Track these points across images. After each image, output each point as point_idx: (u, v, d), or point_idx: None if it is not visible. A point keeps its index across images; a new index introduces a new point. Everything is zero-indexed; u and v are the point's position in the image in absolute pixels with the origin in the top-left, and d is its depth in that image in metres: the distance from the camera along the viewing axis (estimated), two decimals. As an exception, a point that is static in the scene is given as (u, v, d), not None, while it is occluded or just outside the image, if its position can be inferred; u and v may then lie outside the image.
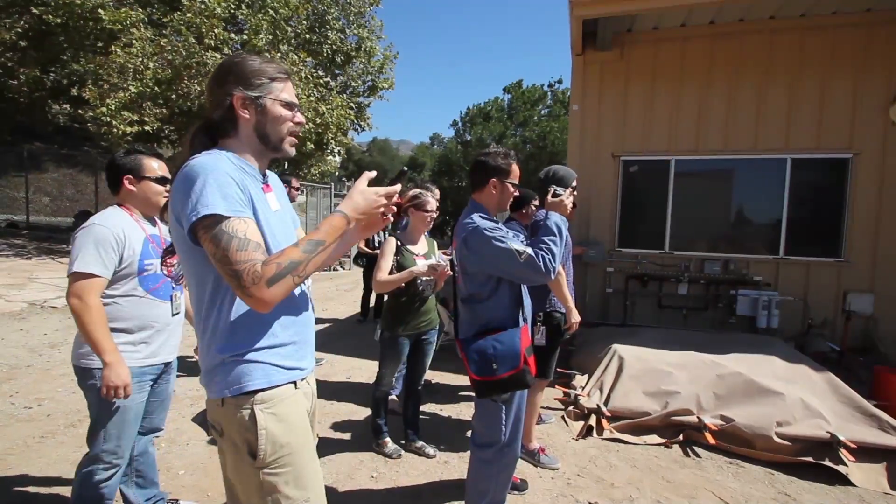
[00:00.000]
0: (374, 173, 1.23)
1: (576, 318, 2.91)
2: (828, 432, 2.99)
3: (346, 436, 3.26)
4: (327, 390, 4.02)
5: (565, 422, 3.59)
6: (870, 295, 5.14)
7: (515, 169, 2.09)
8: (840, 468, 2.86)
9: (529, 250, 1.85)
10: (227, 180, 1.06)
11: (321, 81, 10.75)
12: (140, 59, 8.47)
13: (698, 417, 3.25)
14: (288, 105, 1.21)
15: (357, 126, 13.77)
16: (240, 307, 1.13)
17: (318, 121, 9.84)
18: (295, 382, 1.21)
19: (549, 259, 1.84)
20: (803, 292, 5.37)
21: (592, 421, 3.47)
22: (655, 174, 5.84)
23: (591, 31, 5.57)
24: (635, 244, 5.96)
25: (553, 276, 1.88)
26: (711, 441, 3.11)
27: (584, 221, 5.99)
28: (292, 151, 1.26)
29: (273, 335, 1.17)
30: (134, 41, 8.56)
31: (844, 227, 5.28)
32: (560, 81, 29.02)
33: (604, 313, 6.03)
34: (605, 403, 3.56)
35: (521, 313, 2.04)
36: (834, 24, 5.21)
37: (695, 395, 3.40)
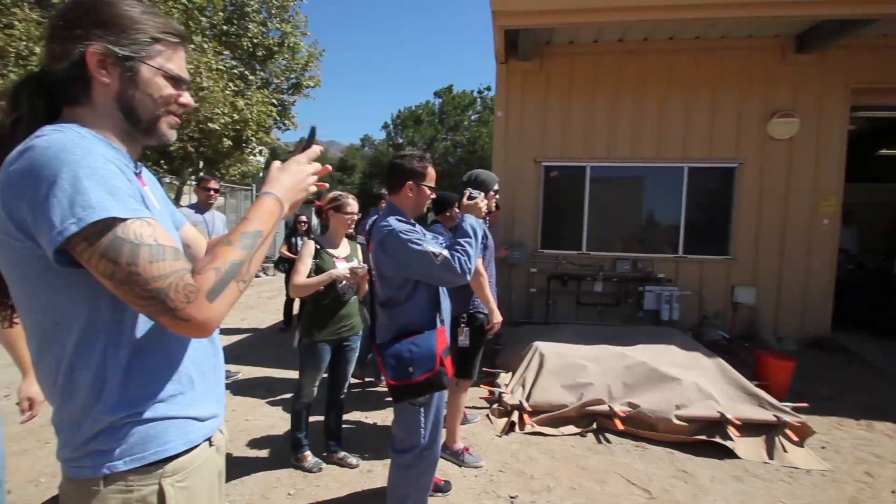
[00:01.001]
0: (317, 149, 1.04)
1: (497, 318, 2.99)
2: (718, 412, 3.34)
3: (264, 453, 3.08)
4: (244, 406, 3.79)
5: (490, 420, 3.68)
6: (752, 288, 5.83)
7: (431, 172, 2.10)
8: (728, 443, 3.21)
9: (445, 252, 1.86)
10: (107, 168, 0.76)
11: (235, 73, 10.15)
12: (24, 44, 7.46)
13: (609, 406, 3.48)
14: (174, 80, 0.90)
15: (281, 124, 13.18)
16: (136, 346, 0.84)
17: (236, 116, 9.26)
18: (210, 438, 0.95)
19: (465, 260, 1.87)
20: (699, 287, 5.97)
21: (515, 417, 3.59)
22: (573, 179, 6.20)
23: (513, 40, 5.80)
24: (557, 245, 6.28)
25: (469, 277, 1.92)
26: (620, 427, 3.35)
27: (510, 224, 6.21)
28: (172, 135, 0.94)
29: (185, 376, 0.90)
30: (16, 22, 7.51)
31: (732, 228, 5.95)
32: (489, 88, 29.87)
33: (528, 312, 6.28)
34: (527, 399, 3.70)
35: (438, 315, 2.05)
36: (723, 47, 5.86)
37: (606, 386, 3.64)
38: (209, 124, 8.60)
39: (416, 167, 2.04)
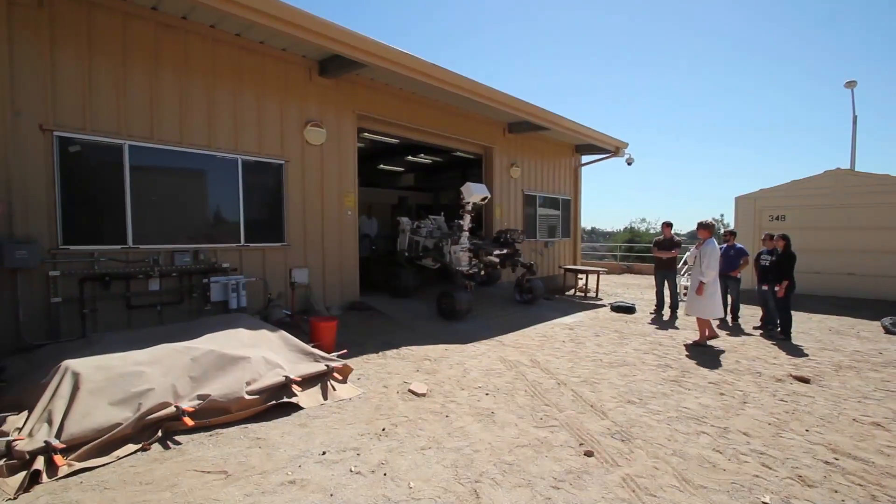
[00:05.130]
0: None
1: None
2: (283, 376, 3.71)
3: None
4: None
5: (-13, 487, 2.52)
6: (305, 269, 6.80)
7: None
8: (293, 400, 3.63)
9: None
10: None
11: None
12: None
13: (175, 406, 3.16)
14: None
15: None
16: None
17: None
18: None
19: None
20: (263, 273, 6.37)
21: (40, 464, 2.63)
22: (106, 159, 5.10)
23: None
24: (90, 240, 5.00)
25: None
26: (190, 423, 3.11)
27: (3, 214, 4.40)
28: None
29: None
30: None
31: (285, 218, 6.67)
32: None
33: (51, 330, 4.72)
34: (59, 435, 2.80)
35: None
36: (264, 53, 6.36)
37: (170, 386, 3.29)
38: None
39: None
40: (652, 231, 30.59)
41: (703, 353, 5.68)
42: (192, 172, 5.85)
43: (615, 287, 12.71)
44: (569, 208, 12.95)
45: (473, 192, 6.91)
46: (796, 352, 5.93)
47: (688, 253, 6.44)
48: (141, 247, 5.30)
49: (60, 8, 4.76)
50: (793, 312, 6.75)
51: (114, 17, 5.09)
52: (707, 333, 6.11)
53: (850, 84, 13.22)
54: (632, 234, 29.05)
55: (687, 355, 5.59)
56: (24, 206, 4.57)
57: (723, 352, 5.78)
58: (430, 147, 10.06)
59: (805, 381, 4.71)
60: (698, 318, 6.15)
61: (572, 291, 11.50)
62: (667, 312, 8.47)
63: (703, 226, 6.20)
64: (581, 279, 11.72)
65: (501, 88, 8.45)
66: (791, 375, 4.85)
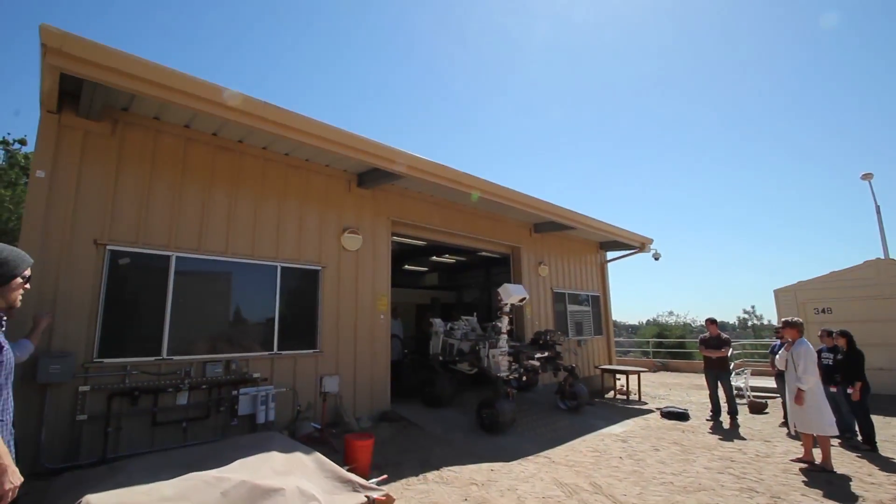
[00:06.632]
0: None
1: (13, 480, 1.82)
2: (320, 511, 3.25)
3: None
4: None
5: None
6: (336, 377, 6.48)
7: None
8: (331, 542, 3.13)
9: None
10: None
11: None
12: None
13: (203, 554, 2.73)
14: None
15: None
16: None
17: None
18: None
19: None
20: (293, 382, 6.07)
21: None
22: (153, 270, 5.19)
23: (75, 91, 4.57)
24: (124, 352, 4.88)
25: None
26: (218, 578, 2.66)
27: (46, 326, 4.36)
28: None
29: None
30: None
31: (319, 324, 6.54)
32: (24, 142, 21.92)
33: (72, 451, 4.40)
34: None
35: None
36: (308, 168, 6.79)
37: (199, 527, 2.88)
38: None
39: None
40: (682, 325, 29.45)
41: (786, 472, 4.95)
42: (230, 280, 5.89)
43: (656, 388, 11.82)
44: (598, 304, 12.61)
45: (512, 294, 6.75)
46: (891, 466, 5.16)
47: (776, 356, 5.79)
48: (174, 358, 5.14)
49: (130, 135, 5.21)
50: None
51: (177, 141, 5.55)
52: (822, 455, 5.08)
53: (867, 176, 13.40)
54: (660, 328, 27.96)
55: (776, 476, 4.87)
56: (66, 318, 4.56)
57: (808, 468, 5.04)
58: (457, 248, 10.20)
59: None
60: (804, 435, 5.29)
61: (612, 394, 10.69)
62: (725, 419, 7.68)
63: (789, 324, 5.38)
64: (620, 380, 10.97)
65: (523, 190, 8.77)
66: (901, 502, 4.12)
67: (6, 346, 1.86)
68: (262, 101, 4.99)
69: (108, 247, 4.89)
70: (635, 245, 12.33)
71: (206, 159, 5.76)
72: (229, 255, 5.78)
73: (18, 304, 2.02)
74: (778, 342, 7.41)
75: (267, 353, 5.92)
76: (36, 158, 4.64)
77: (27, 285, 2.07)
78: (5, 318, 1.99)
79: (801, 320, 5.47)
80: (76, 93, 4.61)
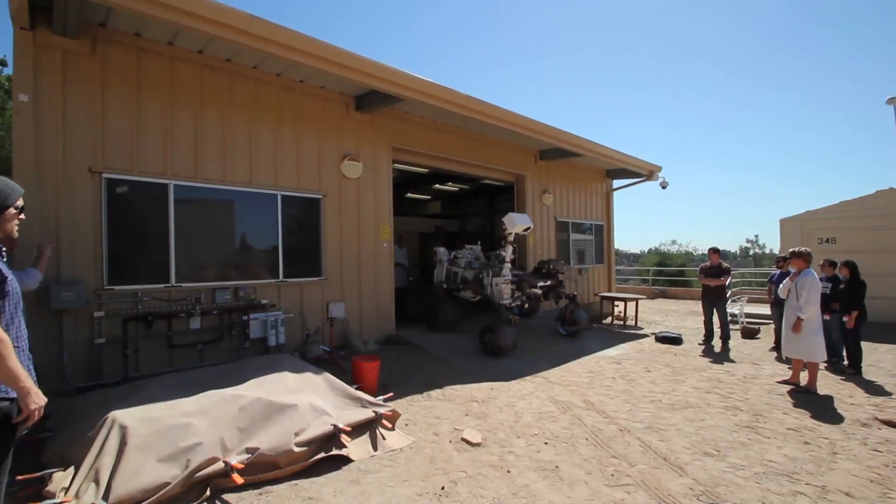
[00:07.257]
0: None
1: (36, 401, 1.91)
2: (332, 425, 3.50)
3: None
4: None
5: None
6: (342, 303, 6.67)
7: None
8: (342, 451, 3.40)
9: None
10: None
11: None
12: None
13: (224, 461, 2.98)
14: None
15: None
16: None
17: None
18: None
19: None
20: (300, 308, 6.26)
21: (85, 531, 2.47)
22: (153, 198, 5.13)
23: (45, 4, 4.21)
24: (134, 279, 4.99)
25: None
26: (239, 481, 2.92)
27: (52, 254, 4.42)
28: None
29: None
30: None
31: (322, 252, 6.60)
32: (5, 63, 20.83)
33: (95, 372, 4.66)
34: (106, 497, 2.64)
35: None
36: (303, 91, 6.44)
37: (219, 439, 3.11)
38: None
39: None
40: (684, 253, 29.72)
41: (770, 392, 5.23)
42: (232, 209, 5.86)
43: (652, 314, 12.18)
44: (602, 234, 12.61)
45: (517, 223, 6.71)
46: (873, 389, 5.42)
47: (780, 286, 5.80)
48: (183, 285, 5.26)
49: (112, 54, 4.90)
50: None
51: (161, 61, 5.22)
52: (809, 377, 5.30)
53: (893, 100, 12.67)
54: (661, 257, 28.26)
55: (760, 396, 5.15)
56: (72, 247, 4.60)
57: (793, 390, 5.31)
58: (460, 175, 9.99)
59: (894, 425, 4.25)
60: (794, 360, 5.49)
61: (609, 320, 11.05)
62: (717, 343, 7.98)
63: (797, 254, 5.41)
64: (618, 307, 11.28)
65: (532, 115, 8.38)
66: (877, 419, 4.38)
67: (10, 276, 1.87)
68: (249, 14, 4.60)
69: (104, 175, 4.79)
70: (643, 173, 12.04)
71: (194, 80, 5.45)
72: (227, 183, 5.68)
73: (16, 234, 2.01)
74: (777, 272, 7.47)
75: (273, 280, 6.04)
76: (16, 81, 4.40)
77: (22, 216, 2.04)
78: (5, 248, 1.99)
79: (809, 251, 5.46)
80: (48, 5, 4.24)
